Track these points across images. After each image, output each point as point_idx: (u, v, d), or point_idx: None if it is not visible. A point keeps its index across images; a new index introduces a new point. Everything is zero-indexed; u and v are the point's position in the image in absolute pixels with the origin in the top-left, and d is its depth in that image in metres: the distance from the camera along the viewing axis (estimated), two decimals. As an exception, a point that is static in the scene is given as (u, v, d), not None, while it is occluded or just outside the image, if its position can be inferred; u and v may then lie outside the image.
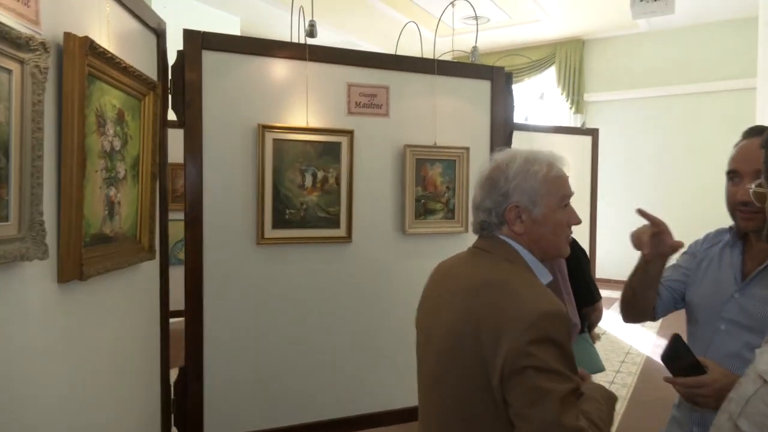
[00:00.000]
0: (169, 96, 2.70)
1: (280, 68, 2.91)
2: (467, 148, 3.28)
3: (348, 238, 3.04)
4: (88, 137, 1.77)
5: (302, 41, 3.11)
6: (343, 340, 3.09)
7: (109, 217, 1.95)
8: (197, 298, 2.77)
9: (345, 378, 3.10)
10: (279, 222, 2.90)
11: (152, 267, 2.45)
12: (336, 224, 3.02)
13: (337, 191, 3.00)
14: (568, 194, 1.30)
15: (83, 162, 1.67)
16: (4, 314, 1.40)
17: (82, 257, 1.67)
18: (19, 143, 1.38)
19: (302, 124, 2.92)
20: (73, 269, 1.65)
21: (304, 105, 2.94)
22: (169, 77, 2.69)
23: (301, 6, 3.05)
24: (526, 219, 1.26)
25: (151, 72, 2.47)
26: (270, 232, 2.89)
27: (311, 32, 2.75)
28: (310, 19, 2.75)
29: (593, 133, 5.43)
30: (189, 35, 2.73)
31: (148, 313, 2.47)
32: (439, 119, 3.26)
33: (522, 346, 1.03)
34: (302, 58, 2.93)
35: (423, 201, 3.23)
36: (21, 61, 1.37)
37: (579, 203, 5.32)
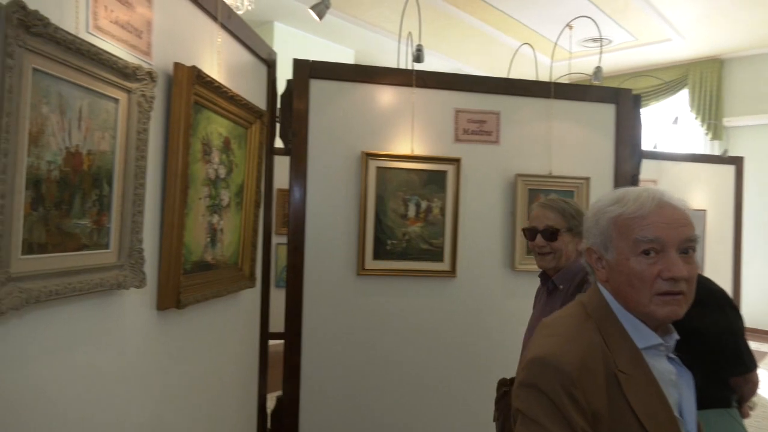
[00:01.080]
0: (277, 124, 2.73)
1: (385, 95, 2.84)
2: (587, 179, 2.96)
3: (452, 272, 2.85)
4: (193, 165, 1.78)
5: (410, 68, 3.03)
6: (442, 379, 2.87)
7: (211, 245, 1.95)
8: (296, 326, 2.73)
9: (442, 417, 2.87)
10: (380, 252, 2.79)
11: (253, 294, 2.44)
12: (439, 257, 2.84)
13: (442, 222, 2.84)
14: (644, 238, 1.01)
15: (186, 189, 1.67)
16: (104, 340, 1.39)
17: (180, 285, 1.66)
18: (122, 171, 1.39)
19: (407, 151, 2.81)
20: (171, 297, 1.64)
21: (410, 132, 2.83)
22: (278, 106, 2.72)
23: (410, 32, 2.98)
24: (606, 264, 1.07)
25: (261, 101, 2.51)
26: (371, 263, 2.78)
27: (418, 57, 2.65)
28: (417, 44, 2.65)
29: (737, 162, 4.76)
30: (298, 64, 2.76)
31: (247, 341, 2.45)
32: (555, 146, 2.98)
33: (515, 387, 1.03)
34: (408, 84, 2.83)
35: (535, 235, 2.95)
36: (128, 91, 1.39)
37: (718, 242, 4.66)
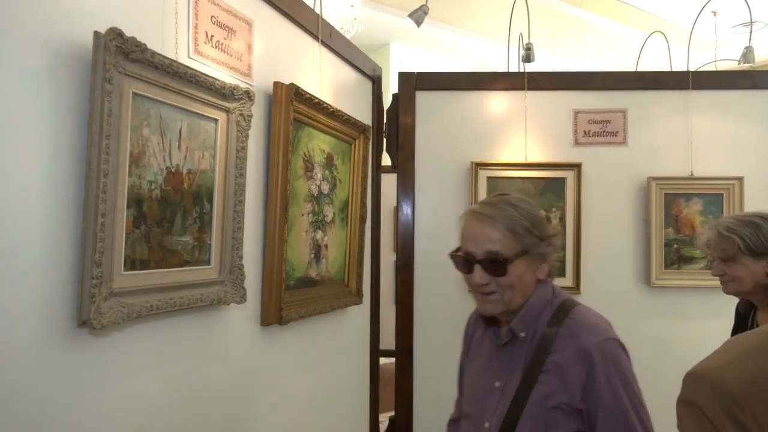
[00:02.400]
0: (384, 139, 2.71)
1: (495, 101, 2.69)
2: (740, 178, 2.53)
3: (576, 288, 2.58)
4: (295, 181, 1.79)
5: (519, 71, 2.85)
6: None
7: (315, 261, 1.95)
8: (407, 345, 2.64)
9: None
10: (494, 268, 2.61)
11: (361, 311, 2.40)
12: (561, 272, 2.59)
13: (563, 233, 2.59)
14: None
15: (286, 206, 1.68)
16: (207, 355, 1.43)
17: (282, 301, 1.66)
18: (222, 189, 1.42)
19: (520, 159, 2.62)
20: (273, 313, 1.65)
21: (523, 138, 2.64)
22: (384, 121, 2.70)
23: (520, 33, 2.81)
24: None
25: (366, 117, 2.51)
26: (484, 279, 2.61)
27: (528, 57, 2.47)
28: (527, 42, 2.47)
29: None
30: (403, 77, 2.72)
31: (356, 358, 2.42)
32: (696, 144, 2.60)
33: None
34: (520, 88, 2.65)
35: (675, 246, 2.58)
36: (226, 110, 1.43)
37: None
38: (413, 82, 2.71)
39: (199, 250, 1.36)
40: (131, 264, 1.15)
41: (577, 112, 2.65)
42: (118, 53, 1.08)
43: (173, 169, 1.27)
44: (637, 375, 2.60)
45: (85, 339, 1.07)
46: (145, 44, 1.13)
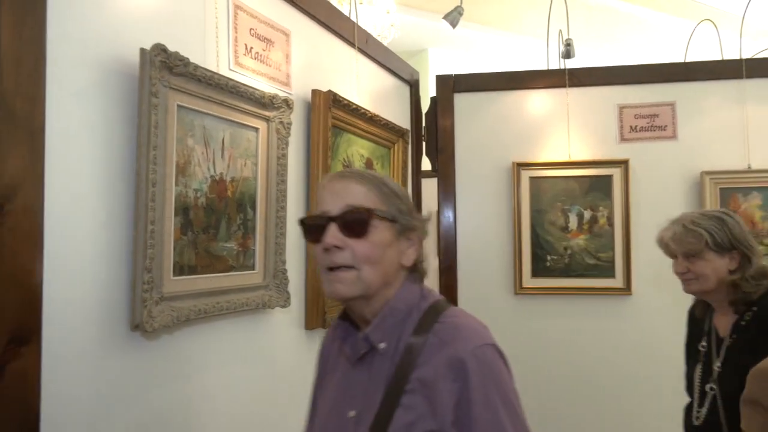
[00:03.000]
0: (424, 143, 2.71)
1: (535, 100, 2.65)
2: (803, 169, 2.39)
3: (626, 289, 2.49)
4: (335, 187, 1.81)
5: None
6: (614, 414, 2.50)
7: (357, 265, 1.96)
8: (452, 350, 2.62)
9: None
10: (539, 270, 2.56)
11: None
12: (610, 273, 2.51)
13: (610, 233, 2.51)
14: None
15: (326, 211, 1.70)
16: (253, 357, 1.46)
17: (326, 305, 1.69)
18: (264, 195, 1.46)
19: (563, 158, 2.57)
20: (317, 317, 1.67)
21: (565, 137, 2.58)
22: (423, 124, 2.71)
23: (560, 29, 2.76)
24: None
25: (405, 121, 2.51)
26: (529, 281, 2.57)
27: (567, 53, 2.42)
28: (566, 38, 2.42)
29: None
30: (441, 80, 2.72)
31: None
32: (753, 135, 2.47)
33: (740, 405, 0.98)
34: (561, 85, 2.60)
35: (733, 243, 2.45)
36: (266, 119, 1.47)
37: None
38: (451, 85, 2.70)
39: (243, 256, 1.40)
40: (180, 269, 1.19)
41: (622, 107, 2.57)
42: (163, 68, 1.13)
43: (217, 178, 1.31)
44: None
45: (138, 341, 1.11)
46: (187, 58, 1.18)
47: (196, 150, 1.25)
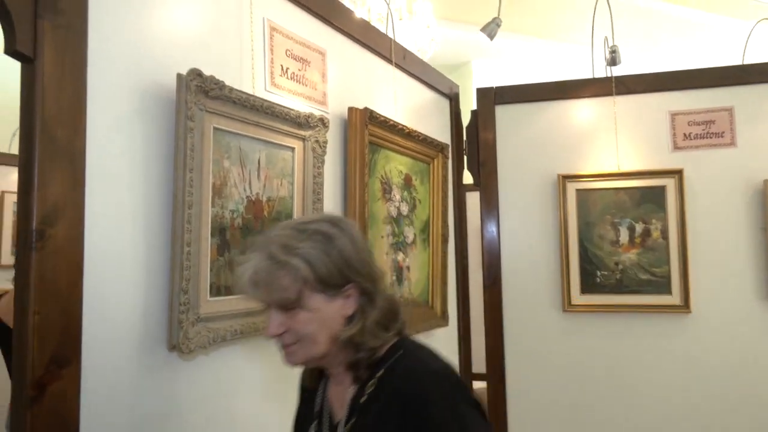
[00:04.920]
0: (465, 157, 2.66)
1: (581, 110, 2.56)
2: None
3: (684, 306, 2.35)
4: (373, 204, 1.80)
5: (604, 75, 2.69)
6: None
7: (397, 283, 1.94)
8: (499, 370, 2.54)
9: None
10: (589, 286, 2.45)
11: (448, 333, 2.35)
12: (665, 289, 2.38)
13: (665, 247, 2.38)
14: None
15: (364, 229, 1.69)
16: (291, 375, 1.45)
17: (364, 324, 1.66)
18: (301, 215, 1.46)
19: (612, 169, 2.46)
20: (356, 336, 1.65)
21: (613, 147, 2.48)
22: (464, 138, 2.66)
23: (605, 36, 2.66)
24: None
25: (445, 135, 2.48)
26: (578, 298, 2.46)
27: (613, 60, 2.33)
28: (611, 45, 2.33)
29: None
30: (482, 93, 2.67)
31: (445, 383, 2.35)
32: (822, 139, 2.29)
33: None
34: (608, 94, 2.50)
35: (804, 256, 2.27)
36: (302, 138, 1.47)
37: None
38: (492, 97, 2.65)
39: (280, 275, 1.39)
40: (216, 290, 1.20)
41: (674, 114, 2.45)
42: (199, 92, 1.15)
43: (253, 198, 1.32)
44: (762, 405, 2.32)
45: (175, 362, 1.12)
46: (223, 81, 1.20)
47: (232, 171, 1.26)
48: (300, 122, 1.45)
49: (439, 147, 2.19)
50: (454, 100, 2.60)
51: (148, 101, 1.12)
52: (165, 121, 1.14)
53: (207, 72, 1.16)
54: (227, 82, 1.23)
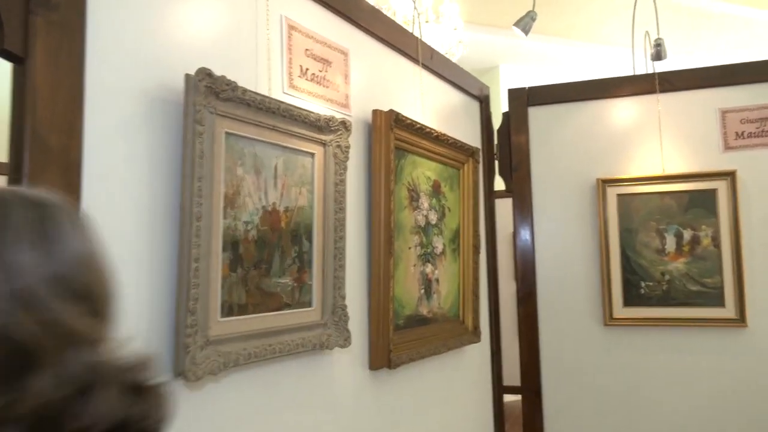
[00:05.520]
0: (496, 162, 2.52)
1: (621, 109, 2.40)
2: None
3: (740, 320, 2.15)
4: (399, 213, 1.69)
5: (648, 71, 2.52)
6: (745, 472, 2.14)
7: (426, 297, 1.81)
8: (535, 385, 2.38)
9: None
10: (632, 298, 2.28)
11: (480, 349, 2.20)
12: (718, 301, 2.19)
13: (717, 255, 2.19)
14: None
15: (390, 239, 1.57)
16: (312, 403, 1.34)
17: (391, 343, 1.54)
18: (321, 225, 1.35)
19: (656, 172, 2.29)
20: (382, 356, 1.53)
21: (657, 148, 2.31)
22: (495, 142, 2.53)
23: (646, 31, 2.50)
24: None
25: (475, 139, 2.35)
26: (621, 311, 2.29)
27: (658, 54, 2.16)
28: (656, 38, 2.17)
29: None
30: (513, 94, 2.54)
31: (477, 401, 2.21)
32: None
33: None
34: (651, 91, 2.34)
35: None
36: (323, 143, 1.37)
37: None
38: (524, 98, 2.51)
39: (299, 292, 1.29)
40: (228, 309, 1.10)
41: (724, 112, 2.26)
42: (209, 93, 1.05)
43: (270, 208, 1.22)
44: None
45: (181, 390, 1.02)
46: (235, 82, 1.10)
47: (246, 179, 1.16)
48: (320, 126, 1.34)
49: (470, 151, 2.06)
50: (484, 102, 2.46)
51: (153, 104, 1.03)
52: (172, 126, 1.05)
53: (218, 72, 1.07)
54: (241, 84, 1.13)
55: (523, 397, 2.40)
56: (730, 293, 2.17)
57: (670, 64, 2.63)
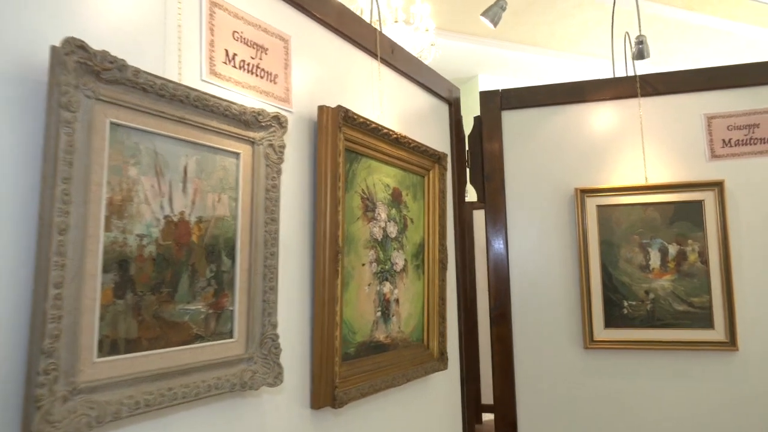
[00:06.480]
0: (467, 170, 2.33)
1: (600, 114, 2.22)
2: None
3: (730, 343, 1.97)
4: (351, 224, 1.47)
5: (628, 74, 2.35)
6: None
7: (383, 320, 1.59)
8: (509, 416, 2.16)
9: None
10: (614, 318, 2.09)
11: (448, 376, 1.98)
12: (706, 322, 2.01)
13: (705, 272, 2.02)
14: None
15: (336, 256, 1.35)
16: (235, 455, 1.10)
17: (336, 377, 1.31)
18: (248, 239, 1.13)
19: (639, 181, 2.11)
20: (325, 393, 1.30)
21: (640, 156, 2.13)
22: (467, 148, 2.33)
23: (626, 32, 2.34)
24: None
25: (443, 144, 2.16)
26: (602, 333, 2.09)
27: (640, 53, 1.99)
28: (638, 35, 2.00)
29: None
30: (486, 97, 2.35)
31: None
32: None
33: None
34: (632, 95, 2.17)
35: None
36: (251, 142, 1.15)
37: None
38: (498, 102, 2.33)
39: (216, 320, 1.06)
40: (111, 347, 0.86)
41: (710, 118, 2.10)
42: (84, 72, 0.83)
43: (176, 218, 0.99)
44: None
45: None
46: (123, 60, 0.88)
47: (142, 182, 0.93)
48: (246, 120, 1.12)
49: (436, 156, 1.86)
50: (454, 104, 2.27)
51: (11, 86, 0.80)
52: (37, 114, 0.83)
53: (115, 52, 0.85)
54: (146, 67, 0.91)
55: (496, 428, 2.18)
56: (719, 314, 1.99)
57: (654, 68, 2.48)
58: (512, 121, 2.31)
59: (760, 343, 1.97)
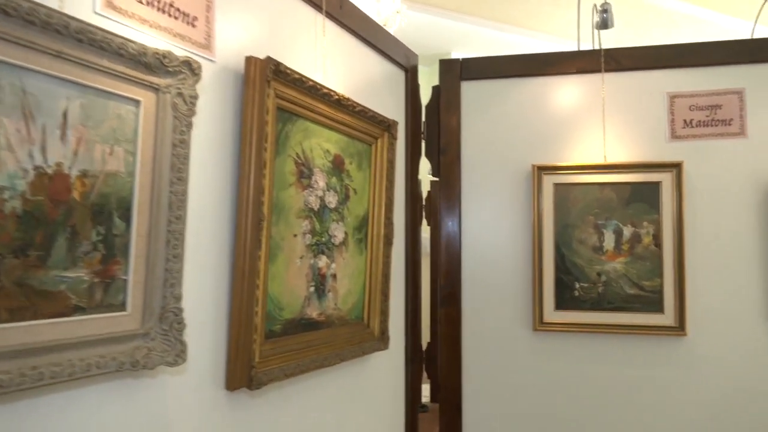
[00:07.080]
0: (422, 141, 2.21)
1: (562, 88, 2.13)
2: None
3: (679, 328, 1.94)
4: (282, 191, 1.34)
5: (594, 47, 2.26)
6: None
7: (317, 296, 1.48)
8: (454, 399, 2.10)
9: None
10: (565, 300, 2.03)
11: (392, 357, 1.89)
12: (657, 306, 1.96)
13: (658, 255, 1.96)
14: None
15: (259, 224, 1.22)
16: (129, 441, 0.98)
17: (254, 356, 1.20)
18: (148, 200, 0.99)
19: (598, 160, 2.04)
20: (242, 372, 1.19)
21: (600, 134, 2.05)
22: (423, 119, 2.21)
23: (594, 4, 2.24)
24: None
25: (397, 113, 2.03)
26: (552, 315, 2.03)
27: (604, 22, 1.90)
28: (603, 2, 1.90)
29: None
30: (445, 65, 2.23)
31: (383, 420, 1.90)
32: None
33: None
34: (595, 70, 2.08)
35: (825, 272, 1.88)
36: (155, 88, 1.00)
37: None
38: (457, 71, 2.21)
39: (103, 290, 0.92)
40: (-47, 318, 0.73)
41: (673, 97, 2.03)
42: None
43: (50, 170, 0.84)
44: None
45: None
46: (-27, -28, 0.72)
47: (4, 125, 0.79)
48: (148, 63, 0.97)
49: (385, 124, 1.73)
50: (411, 71, 2.14)
51: None
52: None
53: None
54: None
55: (441, 411, 2.12)
56: (669, 298, 1.95)
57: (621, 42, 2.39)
58: (471, 92, 2.20)
59: (709, 328, 1.93)
